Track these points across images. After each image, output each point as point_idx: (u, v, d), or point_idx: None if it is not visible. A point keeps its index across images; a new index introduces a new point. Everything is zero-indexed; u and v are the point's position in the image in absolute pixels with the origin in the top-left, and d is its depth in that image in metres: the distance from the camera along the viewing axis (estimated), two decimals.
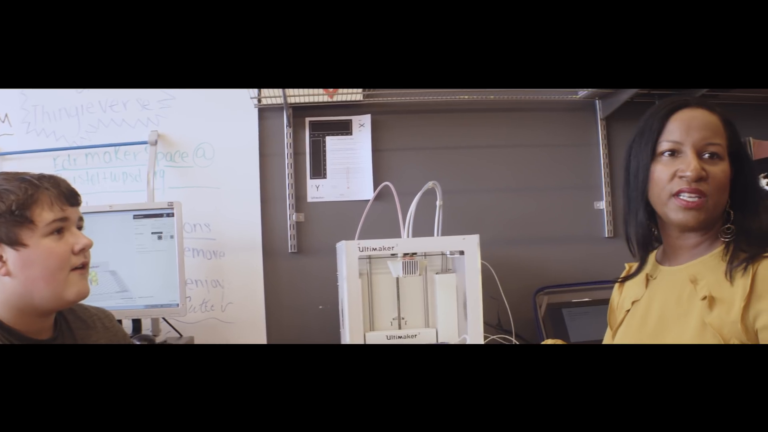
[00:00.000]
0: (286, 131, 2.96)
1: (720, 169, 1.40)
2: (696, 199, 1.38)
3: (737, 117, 2.90)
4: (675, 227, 1.46)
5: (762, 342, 1.28)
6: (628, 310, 1.58)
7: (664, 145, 1.43)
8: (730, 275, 1.35)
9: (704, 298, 1.35)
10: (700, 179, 1.37)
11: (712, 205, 1.40)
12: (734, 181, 1.42)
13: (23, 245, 1.47)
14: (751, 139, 3.06)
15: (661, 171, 1.43)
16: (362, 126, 2.99)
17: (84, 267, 1.58)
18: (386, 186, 2.51)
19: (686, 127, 1.42)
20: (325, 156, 2.98)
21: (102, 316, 1.79)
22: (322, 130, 2.99)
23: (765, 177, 2.88)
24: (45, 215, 1.49)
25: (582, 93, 3.05)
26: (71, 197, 1.57)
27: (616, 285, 1.70)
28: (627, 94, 2.88)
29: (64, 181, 1.58)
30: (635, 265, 1.63)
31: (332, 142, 2.99)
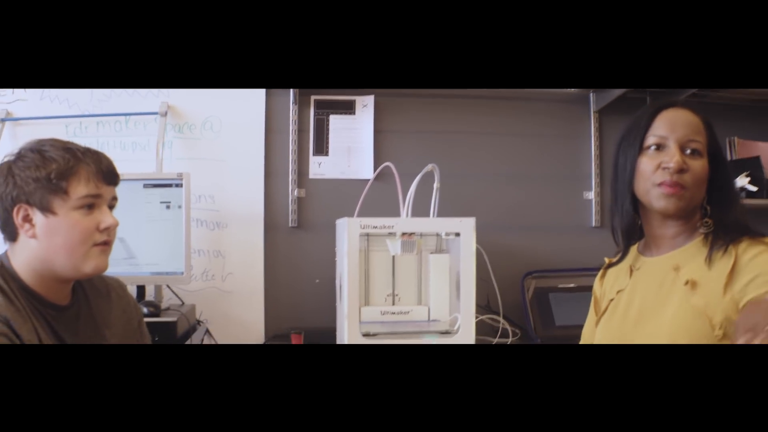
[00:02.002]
0: (292, 108, 3.02)
1: (699, 165, 1.51)
2: (676, 188, 1.49)
3: (724, 117, 3.04)
4: (657, 215, 1.56)
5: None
6: (612, 299, 1.67)
7: (650, 139, 1.54)
8: (710, 259, 1.46)
9: (686, 282, 1.46)
10: (681, 171, 1.48)
11: (690, 196, 1.51)
12: (712, 179, 1.53)
13: (53, 213, 1.51)
14: (736, 138, 3.16)
15: (647, 163, 1.53)
16: (365, 106, 3.06)
17: (106, 244, 1.60)
18: (385, 167, 2.56)
19: (671, 124, 1.52)
20: (328, 134, 3.04)
21: (116, 285, 1.83)
22: (326, 108, 3.05)
23: (748, 176, 2.97)
24: (80, 189, 1.52)
25: None
26: (109, 176, 1.59)
27: (598, 276, 1.80)
28: (620, 89, 2.95)
29: (106, 159, 1.61)
30: (616, 257, 1.72)
31: (335, 121, 3.05)
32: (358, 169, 3.04)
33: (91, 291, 1.73)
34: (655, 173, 1.51)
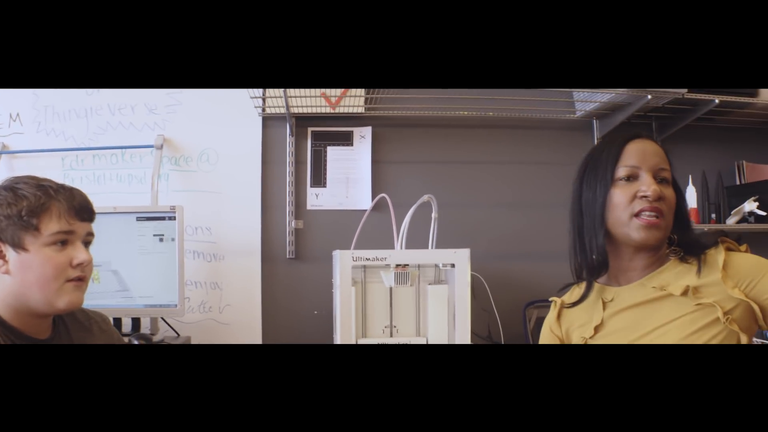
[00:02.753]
0: (289, 140, 3.01)
1: (671, 193, 1.53)
2: (655, 217, 1.48)
3: (732, 141, 3.01)
4: (632, 247, 1.54)
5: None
6: (591, 336, 1.60)
7: (621, 171, 1.52)
8: (699, 271, 1.47)
9: (685, 291, 1.45)
10: (659, 198, 1.48)
11: (666, 225, 1.51)
12: (676, 207, 1.55)
13: (24, 249, 1.51)
14: (744, 162, 3.12)
15: (620, 195, 1.52)
16: (363, 137, 3.04)
17: (81, 280, 1.60)
18: (384, 197, 2.55)
19: (642, 154, 1.53)
20: (325, 165, 3.03)
21: (99, 319, 1.83)
22: (324, 140, 3.04)
23: (756, 200, 2.93)
24: (51, 225, 1.53)
25: (579, 113, 3.09)
26: (82, 212, 1.60)
27: (552, 318, 1.74)
28: (624, 114, 2.93)
29: (80, 196, 1.62)
30: (575, 295, 1.69)
31: (333, 152, 3.04)
32: (356, 200, 3.03)
33: (73, 324, 1.73)
34: (631, 203, 1.50)
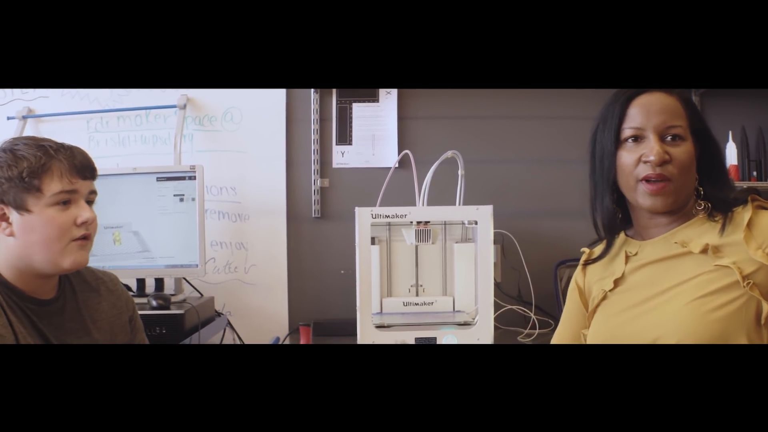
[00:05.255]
0: (313, 97, 2.99)
1: (682, 150, 1.42)
2: (661, 183, 1.41)
3: None
4: (645, 211, 1.48)
5: None
6: (611, 290, 1.56)
7: (627, 131, 1.45)
8: (723, 230, 1.39)
9: (705, 249, 1.38)
10: (663, 162, 1.40)
11: (678, 188, 1.43)
12: (701, 159, 1.46)
13: (28, 211, 1.52)
14: None
15: (627, 157, 1.45)
16: (389, 93, 3.00)
17: (86, 239, 1.60)
18: (407, 153, 2.52)
19: (646, 112, 1.44)
20: (351, 123, 3.00)
21: (107, 279, 1.82)
22: (349, 96, 3.01)
23: None
24: (53, 186, 1.53)
25: None
26: (84, 171, 1.59)
27: (578, 269, 1.70)
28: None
29: (81, 155, 1.61)
30: (598, 250, 1.64)
31: (359, 109, 3.01)
32: (382, 157, 3.00)
33: (80, 285, 1.73)
34: (636, 167, 1.43)
